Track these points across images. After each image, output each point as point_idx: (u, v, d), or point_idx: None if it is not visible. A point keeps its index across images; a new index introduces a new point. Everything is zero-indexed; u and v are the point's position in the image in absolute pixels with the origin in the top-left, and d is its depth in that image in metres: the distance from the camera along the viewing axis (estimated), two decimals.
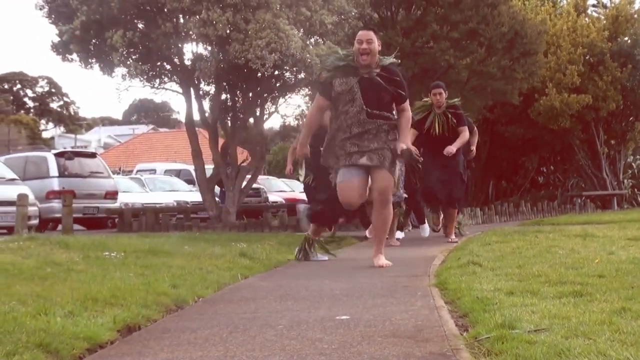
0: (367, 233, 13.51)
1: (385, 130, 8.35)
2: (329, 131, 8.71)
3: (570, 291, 5.25)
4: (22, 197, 15.16)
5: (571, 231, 11.52)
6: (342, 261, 9.22)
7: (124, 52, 16.85)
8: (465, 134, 12.46)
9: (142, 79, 18.21)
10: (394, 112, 8.49)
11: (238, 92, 18.94)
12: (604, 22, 29.43)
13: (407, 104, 8.49)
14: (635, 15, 29.30)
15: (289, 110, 72.13)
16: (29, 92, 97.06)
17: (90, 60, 18.07)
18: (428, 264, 8.42)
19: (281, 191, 31.87)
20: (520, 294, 5.26)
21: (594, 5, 32.00)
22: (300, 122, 9.89)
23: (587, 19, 29.92)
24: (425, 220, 14.26)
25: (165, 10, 16.71)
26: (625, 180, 31.28)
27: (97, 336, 4.38)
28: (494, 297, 5.16)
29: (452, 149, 12.08)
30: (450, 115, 12.45)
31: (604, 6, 31.50)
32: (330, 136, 8.61)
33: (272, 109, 19.86)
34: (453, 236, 12.60)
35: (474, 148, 13.69)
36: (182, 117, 30.41)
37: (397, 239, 12.53)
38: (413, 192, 13.07)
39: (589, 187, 30.07)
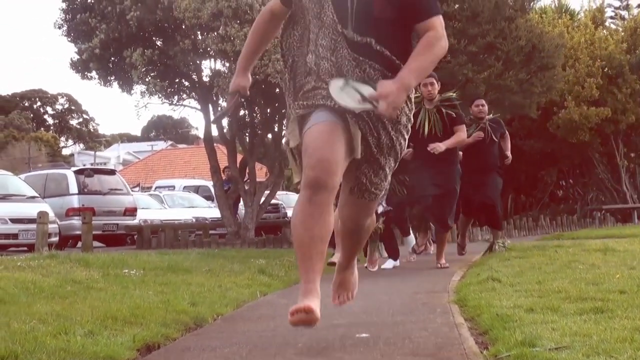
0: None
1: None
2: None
3: (591, 308, 5.22)
4: (43, 215, 15.24)
5: (591, 245, 11.44)
6: (360, 278, 9.18)
7: (143, 70, 16.93)
8: (461, 134, 10.59)
9: (160, 95, 18.31)
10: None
11: (256, 108, 18.98)
12: (622, 34, 29.36)
13: (437, 21, 4.29)
14: None
15: None
16: (49, 110, 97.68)
17: (109, 77, 18.20)
18: (447, 279, 8.39)
19: None
20: (541, 311, 5.22)
21: (611, 18, 32.00)
22: None
23: (605, 31, 29.87)
24: (410, 231, 12.21)
25: (183, 27, 16.81)
26: None
27: (117, 355, 4.38)
28: (514, 314, 5.13)
29: (439, 146, 10.16)
30: (444, 111, 10.47)
31: (622, 18, 31.48)
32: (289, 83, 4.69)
33: None
34: (443, 260, 10.74)
35: (509, 153, 12.51)
36: (200, 134, 30.54)
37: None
38: (396, 203, 10.65)
39: (608, 200, 29.94)
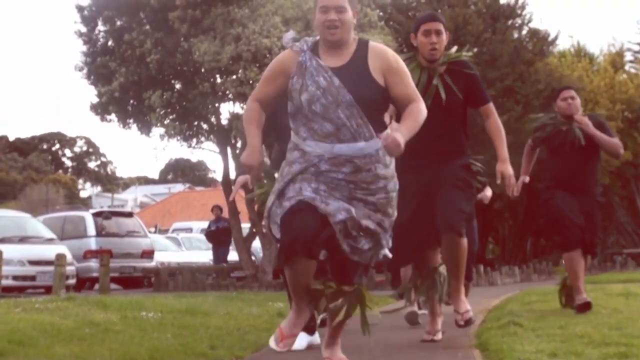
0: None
1: None
2: None
3: (615, 352, 5.14)
4: (60, 257, 15.25)
5: (613, 290, 11.35)
6: (380, 320, 9.11)
7: (162, 112, 17.05)
8: (497, 119, 6.50)
9: (179, 138, 18.39)
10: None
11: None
12: None
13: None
14: None
15: None
16: (68, 152, 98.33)
17: (128, 120, 18.33)
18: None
19: None
20: (564, 356, 5.15)
21: (631, 62, 31.96)
22: None
23: (624, 75, 29.86)
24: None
25: (203, 70, 16.90)
26: None
27: None
28: (537, 359, 5.07)
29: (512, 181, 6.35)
30: (450, 78, 6.39)
31: None
32: None
33: None
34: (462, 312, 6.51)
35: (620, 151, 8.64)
36: (218, 176, 30.65)
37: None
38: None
39: (629, 244, 29.75)
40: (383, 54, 4.96)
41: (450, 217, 6.15)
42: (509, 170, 6.14)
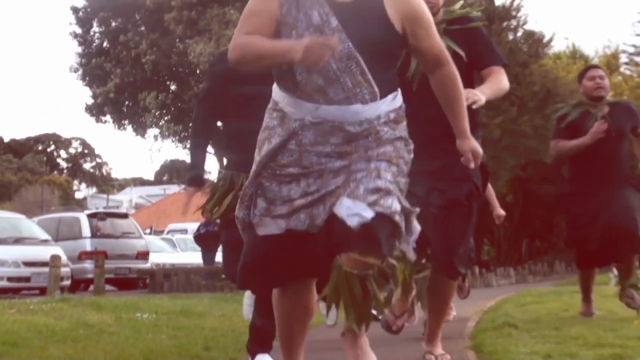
0: None
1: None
2: None
3: (610, 354, 5.13)
4: (55, 258, 15.23)
5: (608, 291, 11.34)
6: (373, 322, 9.09)
7: (157, 113, 17.05)
8: (501, 78, 5.17)
9: (174, 139, 18.39)
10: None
11: None
12: (637, 79, 29.37)
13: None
14: None
15: None
16: (63, 153, 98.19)
17: (123, 121, 18.34)
18: (462, 325, 8.29)
19: None
20: (559, 357, 5.14)
21: (626, 64, 32.01)
22: None
23: (619, 76, 29.89)
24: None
25: (198, 71, 16.89)
26: None
27: None
28: None
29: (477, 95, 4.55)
30: (449, 39, 4.82)
31: (637, 64, 31.49)
32: None
33: None
34: (438, 349, 5.28)
35: None
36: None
37: None
38: None
39: None
40: None
41: (451, 255, 4.92)
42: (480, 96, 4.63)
